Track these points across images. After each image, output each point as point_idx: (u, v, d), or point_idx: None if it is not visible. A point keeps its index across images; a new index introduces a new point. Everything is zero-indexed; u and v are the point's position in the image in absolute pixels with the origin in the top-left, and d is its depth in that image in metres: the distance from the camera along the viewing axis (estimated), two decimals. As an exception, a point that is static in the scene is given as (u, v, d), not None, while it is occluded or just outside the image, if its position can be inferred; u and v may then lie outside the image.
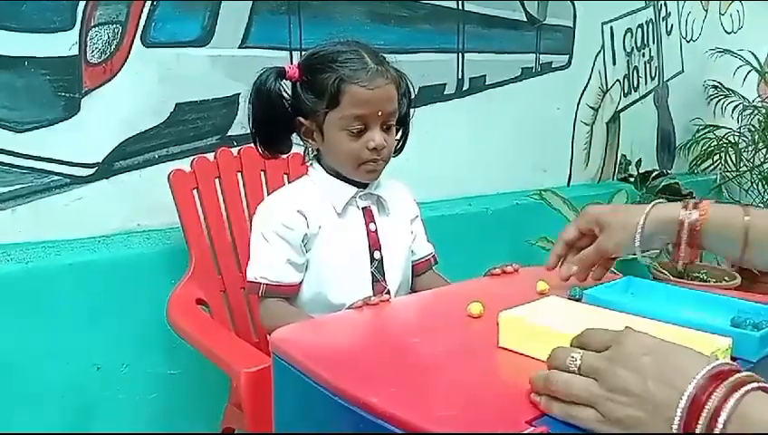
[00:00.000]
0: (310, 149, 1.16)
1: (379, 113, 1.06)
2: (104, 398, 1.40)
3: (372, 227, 1.16)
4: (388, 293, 1.15)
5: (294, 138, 1.15)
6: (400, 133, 1.18)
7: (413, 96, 1.18)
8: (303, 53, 1.66)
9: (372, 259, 1.15)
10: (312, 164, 1.17)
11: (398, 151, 1.19)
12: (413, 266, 1.25)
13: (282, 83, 1.10)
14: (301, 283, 1.13)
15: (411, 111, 1.19)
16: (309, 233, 1.11)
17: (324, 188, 1.14)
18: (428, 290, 1.13)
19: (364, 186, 1.15)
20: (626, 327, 0.57)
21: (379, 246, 1.16)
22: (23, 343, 1.29)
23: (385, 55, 1.11)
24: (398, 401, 0.61)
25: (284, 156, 1.20)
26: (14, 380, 1.28)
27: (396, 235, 1.19)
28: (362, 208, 1.15)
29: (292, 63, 1.10)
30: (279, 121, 1.11)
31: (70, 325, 1.34)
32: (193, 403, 1.51)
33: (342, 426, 0.66)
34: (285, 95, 1.11)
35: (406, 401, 0.62)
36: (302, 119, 1.10)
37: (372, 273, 1.15)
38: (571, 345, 0.59)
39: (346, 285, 1.12)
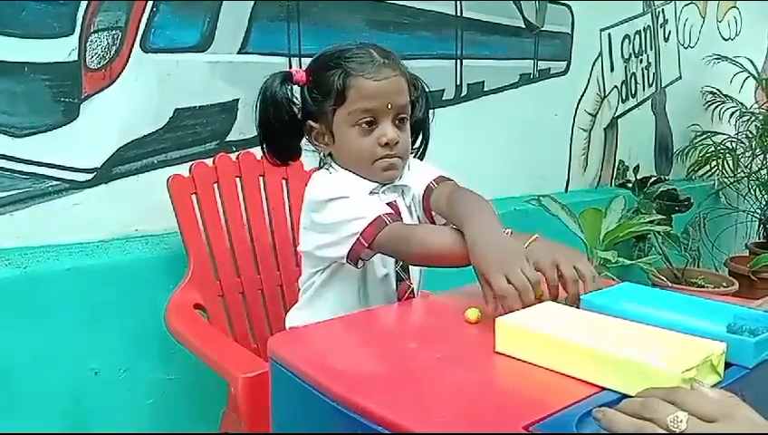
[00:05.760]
0: (322, 153, 1.10)
1: (389, 105, 1.02)
2: (102, 402, 1.39)
3: None
4: (413, 293, 1.12)
5: (305, 144, 1.12)
6: (421, 137, 1.15)
7: (430, 100, 1.14)
8: (304, 59, 1.66)
9: (397, 259, 1.10)
10: (330, 165, 1.10)
11: (421, 155, 1.16)
12: (422, 199, 1.14)
13: (288, 88, 1.07)
14: None
15: (431, 113, 1.14)
16: None
17: (347, 182, 1.07)
18: (430, 294, 1.12)
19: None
20: (735, 397, 0.54)
21: None
22: (21, 348, 1.28)
23: (396, 54, 1.07)
24: (394, 406, 0.61)
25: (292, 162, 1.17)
26: (12, 384, 1.28)
27: None
28: (387, 204, 1.07)
29: (291, 69, 1.09)
30: (286, 126, 1.08)
31: (68, 330, 1.34)
32: (191, 408, 1.51)
33: (340, 431, 0.66)
34: (294, 100, 1.08)
35: (403, 406, 0.62)
36: (311, 122, 1.07)
37: (397, 272, 1.11)
38: (667, 400, 0.54)
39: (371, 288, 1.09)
